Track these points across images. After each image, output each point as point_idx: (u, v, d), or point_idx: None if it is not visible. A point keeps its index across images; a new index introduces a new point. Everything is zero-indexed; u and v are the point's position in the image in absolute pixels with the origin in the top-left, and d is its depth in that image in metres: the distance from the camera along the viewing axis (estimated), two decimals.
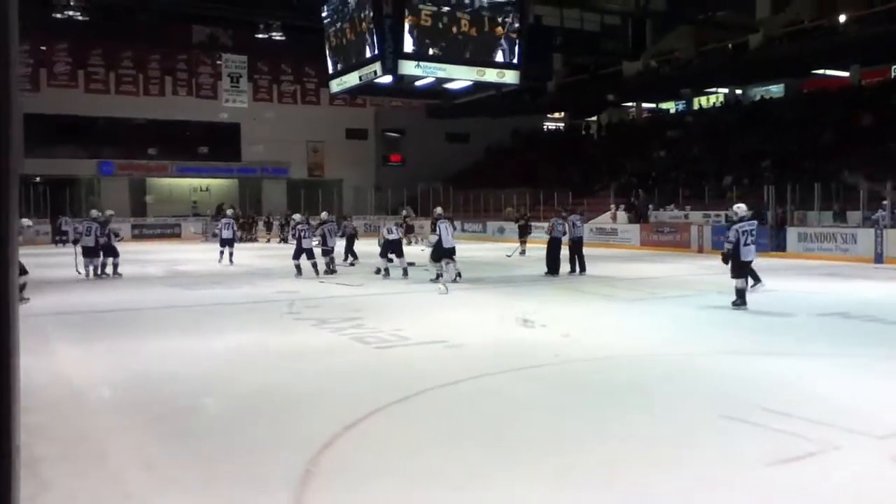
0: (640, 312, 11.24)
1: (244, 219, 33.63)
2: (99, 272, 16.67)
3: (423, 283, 14.94)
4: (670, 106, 44.20)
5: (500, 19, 15.93)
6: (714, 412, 5.50)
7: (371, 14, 15.38)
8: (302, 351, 8.20)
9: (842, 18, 28.62)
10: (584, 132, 46.83)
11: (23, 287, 13.07)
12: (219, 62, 35.21)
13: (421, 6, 15.11)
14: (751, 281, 11.97)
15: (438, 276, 14.93)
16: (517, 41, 16.16)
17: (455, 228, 16.15)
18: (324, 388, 6.57)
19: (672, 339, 8.87)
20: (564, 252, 16.89)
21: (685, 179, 31.26)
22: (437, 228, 15.13)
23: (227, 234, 20.53)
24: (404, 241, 18.78)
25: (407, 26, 15.01)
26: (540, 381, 6.74)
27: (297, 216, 19.21)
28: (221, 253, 20.32)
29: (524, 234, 24.00)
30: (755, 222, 11.41)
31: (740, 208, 11.40)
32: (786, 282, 15.48)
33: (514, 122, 46.36)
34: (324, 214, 19.25)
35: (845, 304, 11.49)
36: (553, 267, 16.59)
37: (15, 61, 1.05)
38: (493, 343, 8.58)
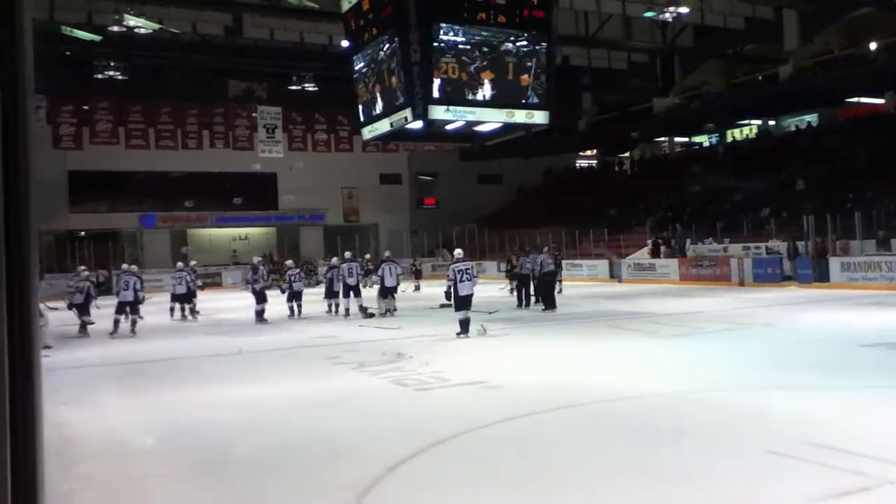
0: (683, 349, 11.08)
1: (274, 266, 34.20)
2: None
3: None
4: (703, 139, 44.00)
5: (527, 61, 16.10)
6: (758, 448, 5.38)
7: (400, 62, 15.66)
8: (342, 395, 8.22)
9: (872, 46, 28.43)
10: (616, 168, 46.78)
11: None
12: (254, 114, 36.06)
13: (449, 51, 15.35)
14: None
15: (388, 311, 17.30)
16: (545, 82, 16.29)
17: (401, 271, 18.63)
18: (364, 432, 6.57)
19: (714, 376, 8.72)
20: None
21: (722, 212, 30.98)
22: (381, 270, 17.48)
23: (180, 289, 18.73)
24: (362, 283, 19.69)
25: (435, 72, 15.25)
26: (580, 422, 6.66)
27: (289, 262, 20.42)
28: (172, 309, 19.05)
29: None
30: (469, 263, 13.71)
31: (458, 252, 14.07)
32: (830, 313, 15.18)
33: (546, 162, 46.52)
34: (289, 262, 20.51)
35: (892, 335, 11.19)
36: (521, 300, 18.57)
37: (31, 128, 1.13)
38: (532, 383, 8.52)
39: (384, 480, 4.98)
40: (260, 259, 20.26)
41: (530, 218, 38.33)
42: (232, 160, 38.31)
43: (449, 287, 13.32)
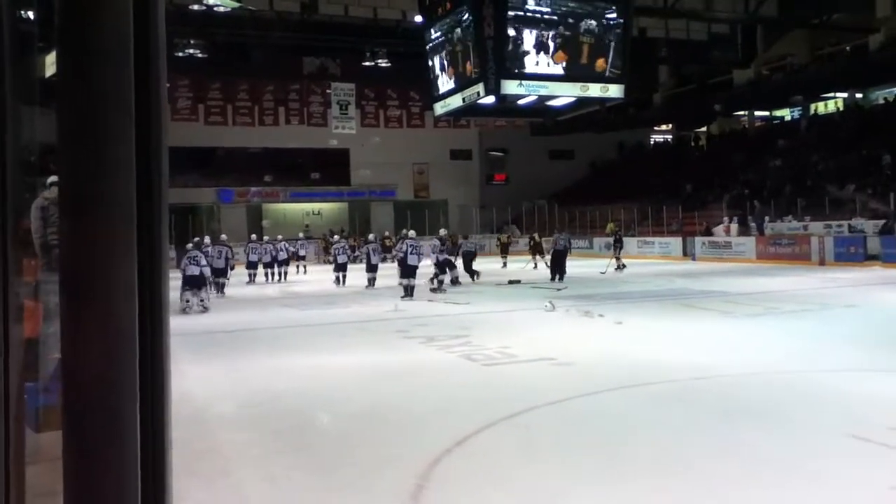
0: (758, 328, 10.81)
1: (354, 242, 34.70)
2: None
3: (526, 299, 14.90)
4: (785, 113, 42.42)
5: (603, 34, 15.80)
6: (838, 432, 5.24)
7: (473, 36, 15.57)
8: (411, 368, 8.34)
9: None
10: (693, 143, 45.57)
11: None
12: (328, 91, 36.45)
13: (521, 26, 15.19)
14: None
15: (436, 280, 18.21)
16: (621, 54, 15.97)
17: (425, 251, 19.09)
18: (433, 405, 6.66)
19: (793, 356, 8.48)
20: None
21: (803, 189, 29.89)
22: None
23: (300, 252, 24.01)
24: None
25: (508, 46, 15.11)
26: (652, 400, 6.59)
27: (336, 237, 23.17)
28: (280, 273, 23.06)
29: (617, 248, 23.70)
30: (418, 242, 17.08)
31: (412, 233, 17.61)
32: None
33: (620, 137, 45.68)
34: (335, 238, 23.56)
35: None
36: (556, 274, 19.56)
37: (164, 107, 1.19)
38: (601, 360, 8.47)
39: (452, 453, 5.05)
40: (446, 232, 20.93)
41: (602, 194, 37.81)
42: (306, 136, 38.88)
43: (400, 258, 16.51)
